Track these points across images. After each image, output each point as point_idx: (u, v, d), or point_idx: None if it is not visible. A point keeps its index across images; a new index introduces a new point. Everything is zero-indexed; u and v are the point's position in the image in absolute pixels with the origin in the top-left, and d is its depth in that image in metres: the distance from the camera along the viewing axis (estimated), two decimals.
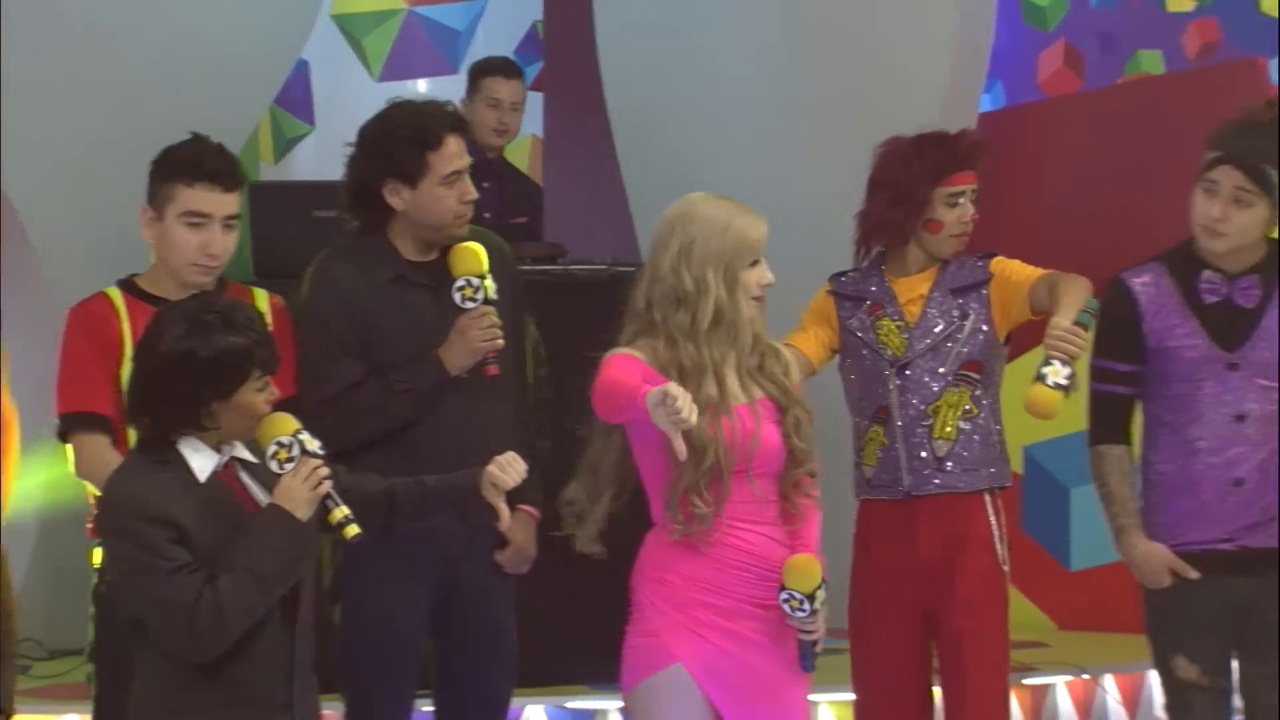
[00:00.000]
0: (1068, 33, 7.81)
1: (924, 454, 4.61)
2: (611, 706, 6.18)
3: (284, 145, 8.34)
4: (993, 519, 4.66)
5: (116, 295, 4.43)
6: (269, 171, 8.25)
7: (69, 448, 4.38)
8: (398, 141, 4.51)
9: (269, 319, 3.87)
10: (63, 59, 6.72)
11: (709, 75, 7.76)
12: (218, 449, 3.71)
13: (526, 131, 8.10)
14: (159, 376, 3.64)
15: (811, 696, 6.30)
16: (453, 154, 4.54)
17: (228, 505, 3.69)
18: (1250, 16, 7.45)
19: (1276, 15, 7.36)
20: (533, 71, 8.48)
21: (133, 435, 3.93)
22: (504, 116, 7.13)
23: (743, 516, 4.04)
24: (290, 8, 7.51)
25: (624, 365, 3.94)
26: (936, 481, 4.62)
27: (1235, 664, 4.62)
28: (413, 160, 4.50)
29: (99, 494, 3.96)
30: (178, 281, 4.36)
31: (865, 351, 4.67)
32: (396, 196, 4.54)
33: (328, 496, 3.69)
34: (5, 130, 6.45)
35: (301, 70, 8.21)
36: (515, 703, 5.15)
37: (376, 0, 8.49)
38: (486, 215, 6.50)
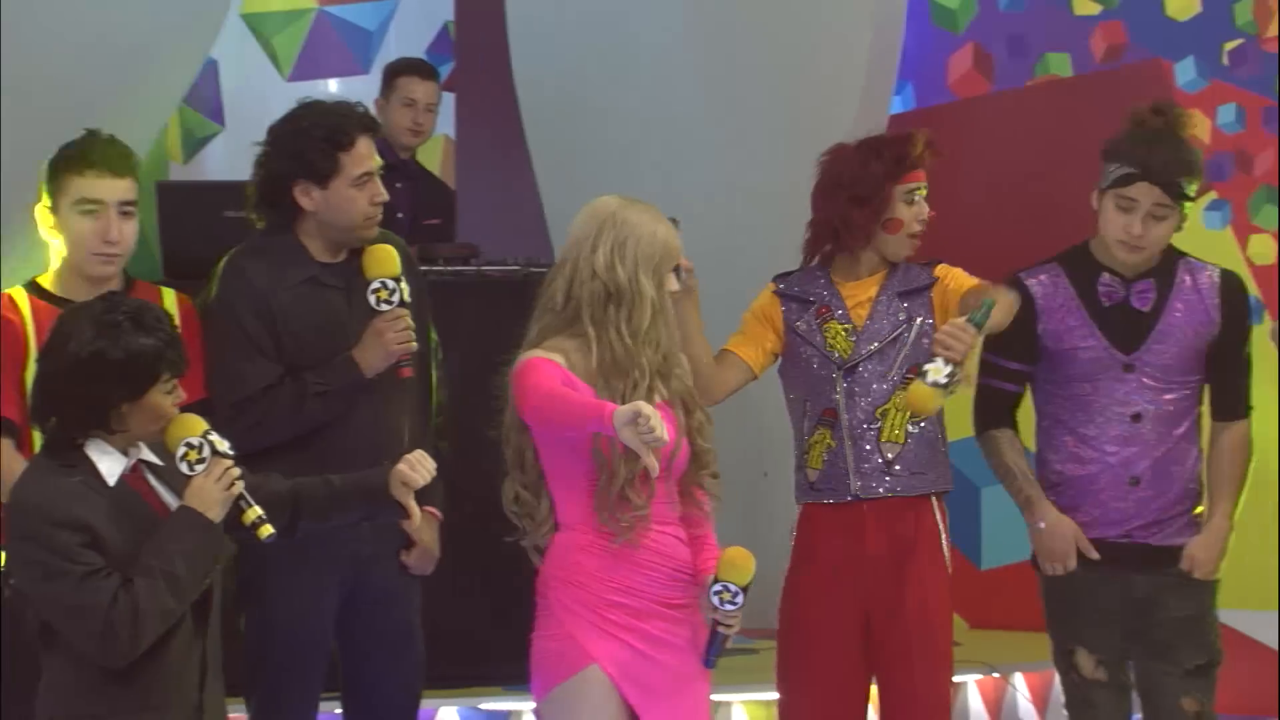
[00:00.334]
0: (977, 35, 7.84)
1: (872, 457, 4.60)
2: (525, 707, 6.15)
3: (193, 145, 8.27)
4: (940, 522, 4.68)
5: (21, 296, 4.38)
6: (178, 171, 8.19)
7: None
8: (310, 141, 4.48)
9: (177, 319, 3.83)
10: None
11: (622, 75, 7.75)
12: (124, 452, 3.66)
13: (439, 132, 8.06)
14: (67, 378, 3.60)
15: (726, 696, 6.33)
16: (364, 155, 4.51)
17: (138, 508, 3.65)
18: (1156, 20, 7.50)
19: (1181, 19, 7.43)
20: (444, 72, 8.44)
21: (39, 439, 3.87)
22: (419, 117, 7.10)
23: (655, 518, 4.05)
24: (199, 7, 7.45)
25: (551, 373, 3.93)
26: (885, 485, 4.61)
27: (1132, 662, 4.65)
28: (324, 160, 4.47)
29: (5, 499, 3.89)
30: (82, 275, 4.31)
31: (811, 354, 4.65)
32: (307, 196, 4.51)
33: (240, 497, 3.66)
34: None
35: (211, 70, 8.15)
36: (429, 705, 5.11)
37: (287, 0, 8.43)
38: (400, 215, 6.46)
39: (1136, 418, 4.53)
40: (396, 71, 7.26)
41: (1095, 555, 4.53)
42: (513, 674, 6.03)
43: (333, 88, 8.27)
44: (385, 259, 4.51)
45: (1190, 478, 4.58)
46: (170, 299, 4.43)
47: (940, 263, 4.72)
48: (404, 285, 4.51)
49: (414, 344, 4.50)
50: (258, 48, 8.38)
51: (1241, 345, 4.63)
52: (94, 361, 3.58)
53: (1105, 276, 4.56)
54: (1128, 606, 4.54)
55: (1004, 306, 4.35)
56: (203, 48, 7.67)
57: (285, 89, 8.24)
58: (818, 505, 4.67)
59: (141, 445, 3.70)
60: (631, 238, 4.01)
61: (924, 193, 4.69)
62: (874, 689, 4.74)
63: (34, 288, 4.40)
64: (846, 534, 4.62)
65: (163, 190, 6.56)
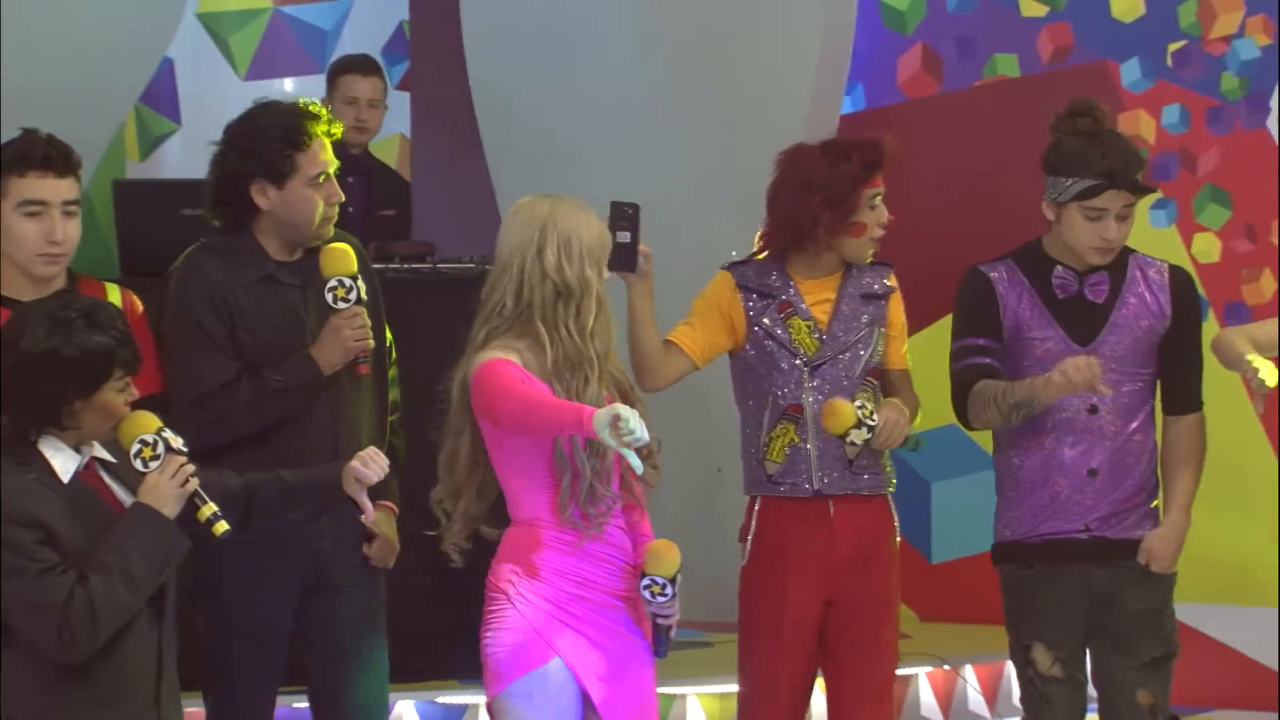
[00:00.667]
0: (926, 36, 7.84)
1: (836, 454, 4.61)
2: (481, 700, 6.13)
3: (150, 143, 8.23)
4: (895, 517, 4.72)
5: None
6: (135, 169, 8.15)
7: None
8: (266, 141, 4.47)
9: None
10: None
11: (576, 75, 7.74)
12: (78, 449, 3.64)
13: (395, 130, 8.03)
14: (20, 375, 3.57)
15: (681, 689, 6.32)
16: (320, 156, 4.51)
17: (93, 505, 3.63)
18: (1102, 21, 7.51)
19: (1126, 20, 7.45)
20: (400, 71, 8.41)
21: None
22: (361, 113, 7.06)
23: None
24: (155, 6, 7.42)
25: (514, 374, 3.95)
26: (846, 482, 4.63)
27: (1088, 655, 4.66)
28: (281, 160, 4.47)
29: None
30: (27, 277, 4.26)
31: (777, 349, 4.65)
32: (263, 196, 4.50)
33: (195, 494, 3.64)
34: None
35: (167, 69, 8.11)
36: None
37: None
38: (351, 210, 6.43)
39: (1093, 410, 4.54)
40: (337, 70, 7.24)
41: (1108, 392, 4.39)
42: (469, 667, 6.02)
43: (288, 87, 8.24)
44: (342, 257, 4.50)
45: (1147, 470, 4.59)
46: (115, 294, 4.40)
47: (890, 268, 4.73)
48: (361, 283, 4.50)
49: (371, 341, 4.51)
50: (214, 47, 8.34)
51: (1193, 339, 4.65)
52: (46, 358, 3.56)
53: (1059, 270, 4.58)
54: (1088, 601, 4.55)
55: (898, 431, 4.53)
56: (159, 47, 7.65)
57: (241, 88, 8.21)
58: (776, 498, 4.66)
59: (95, 443, 3.67)
60: (574, 235, 4.03)
61: (882, 197, 4.70)
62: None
63: None
64: (810, 528, 4.63)
65: (120, 188, 6.54)
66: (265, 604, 4.50)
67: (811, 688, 4.72)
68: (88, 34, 6.98)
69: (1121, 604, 4.55)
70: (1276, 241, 7.15)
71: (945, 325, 4.87)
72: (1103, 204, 4.50)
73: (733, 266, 4.72)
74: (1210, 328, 5.35)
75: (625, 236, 4.40)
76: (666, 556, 4.01)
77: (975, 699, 6.93)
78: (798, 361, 4.63)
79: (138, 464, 3.63)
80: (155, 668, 3.67)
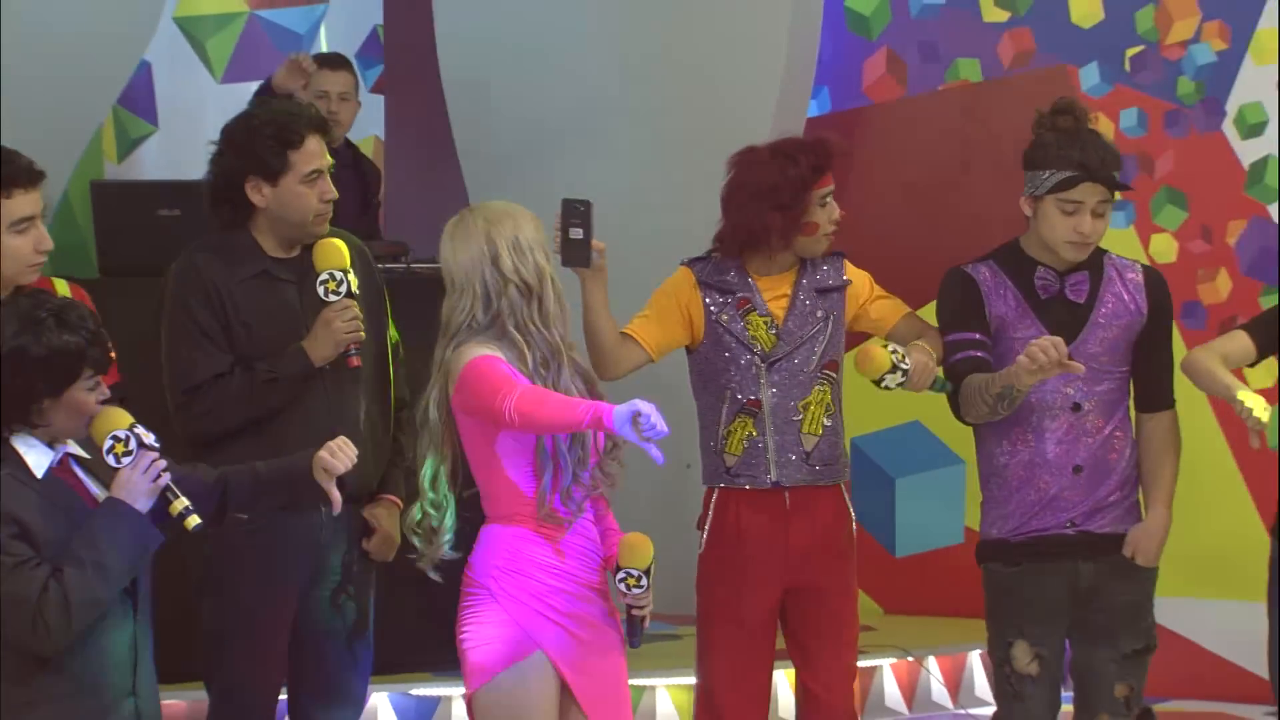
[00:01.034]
0: (891, 41, 7.86)
1: (793, 447, 4.62)
2: (455, 693, 6.13)
3: (128, 145, 8.20)
4: (850, 509, 4.73)
5: None
6: (113, 171, 8.12)
7: None
8: (260, 139, 4.49)
9: None
10: None
11: (547, 78, 7.75)
12: (51, 445, 3.63)
13: (370, 133, 8.02)
14: None
15: (650, 681, 6.33)
16: (314, 153, 4.53)
17: (67, 500, 3.62)
18: (1062, 27, 7.54)
19: (1085, 26, 7.47)
20: (374, 74, 8.40)
21: None
22: (332, 106, 7.04)
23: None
24: (133, 10, 7.39)
25: (504, 369, 3.97)
26: (803, 474, 4.63)
27: (1069, 647, 4.66)
28: (274, 158, 4.49)
29: None
30: (5, 285, 4.24)
31: (734, 345, 4.65)
32: (258, 193, 4.52)
33: (166, 489, 3.63)
34: None
35: (144, 71, 8.09)
36: None
37: (219, 3, 8.37)
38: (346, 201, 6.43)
39: (1077, 408, 4.55)
40: None
41: (1079, 368, 4.38)
42: (442, 660, 6.01)
43: None
44: (333, 252, 4.52)
45: (1127, 465, 4.60)
46: (63, 288, 4.38)
47: (844, 256, 4.75)
48: (352, 277, 4.51)
49: (361, 334, 4.50)
50: (191, 50, 8.32)
51: (1166, 338, 4.67)
52: (15, 357, 3.55)
53: (1040, 270, 4.58)
54: (1073, 595, 4.55)
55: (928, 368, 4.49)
56: (137, 50, 7.63)
57: (218, 91, 8.20)
58: (734, 490, 4.67)
59: (69, 440, 3.66)
60: (517, 233, 4.07)
61: (832, 195, 4.70)
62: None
63: None
64: (767, 518, 4.63)
65: (98, 189, 6.51)
66: (269, 595, 4.49)
67: (770, 677, 4.72)
68: (66, 37, 6.96)
69: (1105, 597, 4.55)
70: (1232, 242, 7.18)
71: None
72: (1079, 197, 4.50)
73: (693, 262, 4.72)
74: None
75: (578, 233, 4.40)
76: (641, 550, 4.02)
77: (938, 690, 6.95)
78: (754, 357, 4.64)
79: (110, 459, 3.62)
80: (131, 660, 3.66)
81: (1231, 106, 7.16)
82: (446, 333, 4.08)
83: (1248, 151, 7.14)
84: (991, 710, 4.77)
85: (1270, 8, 7.08)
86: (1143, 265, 4.69)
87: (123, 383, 4.35)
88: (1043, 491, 4.55)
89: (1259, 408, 4.33)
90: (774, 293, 4.67)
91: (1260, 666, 5.89)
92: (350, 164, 7.00)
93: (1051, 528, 4.55)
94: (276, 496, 3.93)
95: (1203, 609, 6.97)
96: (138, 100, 8.12)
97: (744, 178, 4.65)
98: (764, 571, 4.63)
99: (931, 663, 6.91)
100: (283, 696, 4.65)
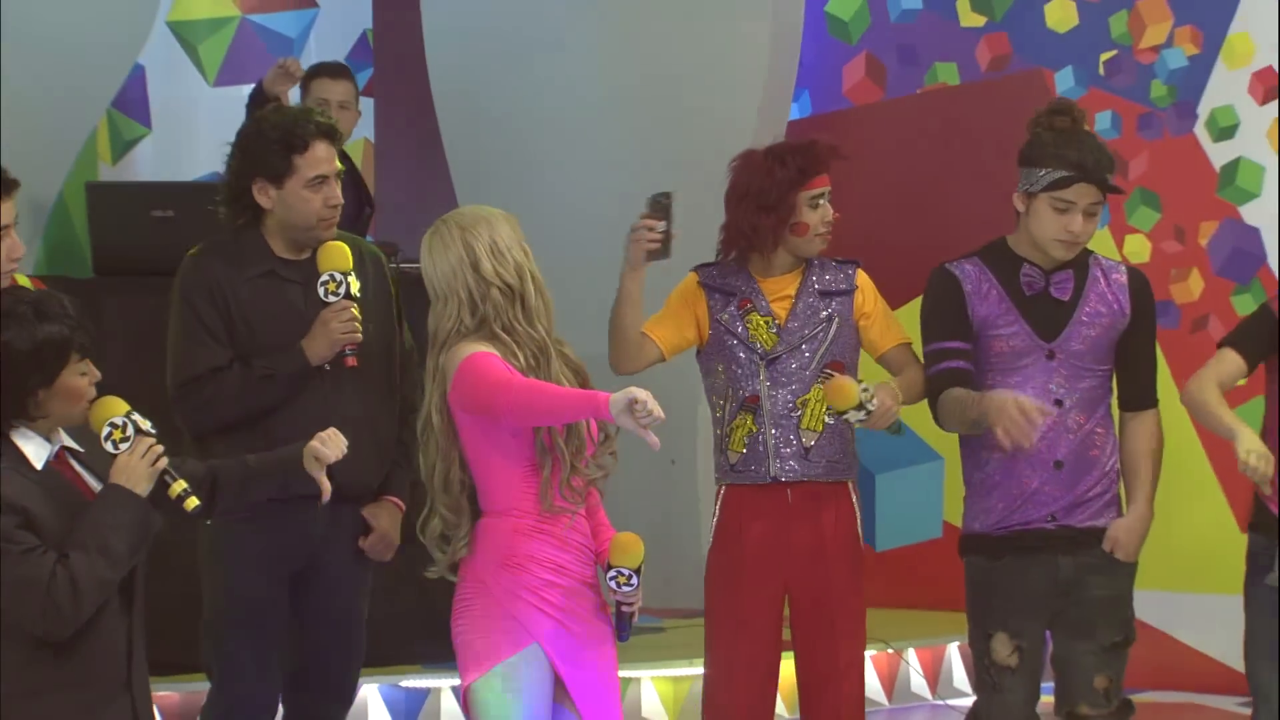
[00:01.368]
0: (870, 45, 7.87)
1: (792, 443, 4.61)
2: (445, 684, 6.13)
3: (122, 147, 8.20)
4: (856, 506, 4.72)
5: None
6: (108, 172, 8.11)
7: None
8: (267, 143, 4.52)
9: None
10: None
11: (533, 82, 7.75)
12: (48, 439, 3.63)
13: (360, 135, 8.01)
14: None
15: (636, 673, 6.33)
16: (320, 159, 4.54)
17: (66, 492, 3.63)
18: (1037, 31, 7.55)
19: (1061, 31, 7.49)
20: (364, 78, 8.39)
21: None
22: (331, 114, 7.03)
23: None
24: (127, 15, 7.39)
25: (500, 365, 3.96)
26: (803, 470, 4.63)
27: (1050, 639, 4.66)
28: (280, 161, 4.51)
29: None
30: None
31: (736, 344, 4.67)
32: (264, 195, 4.54)
33: (165, 472, 3.64)
34: None
35: (139, 75, 8.08)
36: None
37: (212, 8, 8.36)
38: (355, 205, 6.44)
39: (1059, 404, 4.55)
40: (309, 75, 7.22)
41: (1044, 414, 4.41)
42: (431, 653, 6.01)
43: None
44: (336, 254, 4.54)
45: (1108, 461, 4.60)
46: (24, 282, 4.37)
47: (859, 265, 4.76)
48: (353, 280, 4.53)
49: (358, 335, 4.51)
50: (184, 54, 8.31)
51: (1150, 338, 4.67)
52: (5, 353, 3.55)
53: (1026, 267, 4.58)
54: (1053, 588, 4.54)
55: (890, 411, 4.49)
56: (131, 54, 7.62)
57: (211, 94, 8.20)
58: (739, 486, 4.67)
59: (62, 433, 3.66)
60: (493, 236, 4.05)
61: (828, 196, 4.70)
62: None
63: None
64: (769, 515, 4.64)
65: (93, 190, 6.50)
66: (263, 586, 4.50)
67: (777, 672, 4.70)
68: (62, 42, 6.95)
69: (1084, 591, 4.55)
70: (1204, 243, 7.20)
71: None
72: (1072, 197, 4.49)
73: (700, 267, 4.76)
74: None
75: (664, 226, 4.49)
76: (632, 549, 4.02)
77: (918, 681, 6.96)
78: (755, 355, 4.65)
79: (108, 446, 3.62)
80: (126, 651, 3.65)
81: (1203, 110, 7.17)
82: (436, 341, 4.08)
83: (1219, 154, 7.16)
84: (970, 701, 4.77)
85: (1241, 13, 7.10)
86: (1127, 267, 4.69)
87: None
88: (1024, 486, 4.55)
89: (1265, 462, 4.32)
90: (778, 294, 4.69)
91: (1233, 659, 5.90)
92: (347, 174, 6.99)
93: (1032, 522, 4.54)
94: (266, 487, 3.93)
95: (1178, 602, 6.98)
96: (132, 103, 8.11)
97: (737, 180, 4.68)
98: (766, 568, 4.63)
99: (911, 655, 6.92)
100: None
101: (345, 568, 4.58)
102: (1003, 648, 4.55)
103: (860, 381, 4.49)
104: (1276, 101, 7.04)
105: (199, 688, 4.85)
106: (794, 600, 4.67)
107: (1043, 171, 4.49)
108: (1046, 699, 4.61)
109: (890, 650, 6.78)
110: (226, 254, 4.56)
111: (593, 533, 4.12)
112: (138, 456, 3.61)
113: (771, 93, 7.48)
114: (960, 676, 6.94)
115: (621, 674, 4.20)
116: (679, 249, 4.61)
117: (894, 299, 4.87)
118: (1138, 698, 4.72)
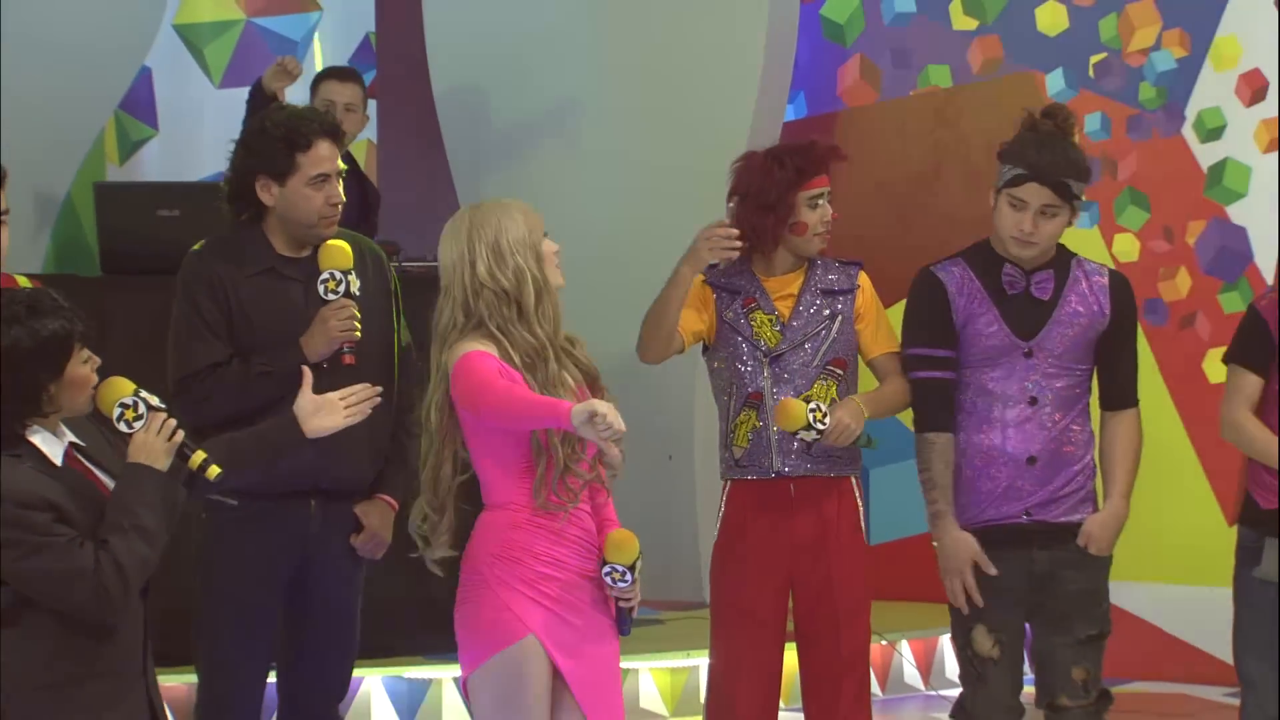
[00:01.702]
0: (864, 48, 7.87)
1: (794, 439, 4.61)
2: (446, 675, 6.13)
3: (129, 148, 8.20)
4: (859, 500, 4.72)
5: None
6: (115, 172, 8.12)
7: None
8: (271, 140, 4.50)
9: None
10: None
11: (533, 83, 7.75)
12: (55, 435, 3.63)
13: (363, 136, 8.01)
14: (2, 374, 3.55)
15: (635, 664, 6.33)
16: (322, 157, 4.51)
17: (85, 486, 3.63)
18: (1029, 34, 7.55)
19: (1052, 34, 7.49)
20: (367, 80, 8.39)
21: None
22: (338, 116, 7.04)
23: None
24: (134, 18, 7.39)
25: (493, 366, 3.95)
26: (806, 465, 4.63)
27: (1029, 632, 4.66)
28: (282, 159, 4.48)
29: None
30: None
31: (740, 341, 4.68)
32: (267, 192, 4.52)
33: (183, 444, 3.63)
34: None
35: (145, 77, 8.08)
36: (354, 675, 5.06)
37: (217, 11, 8.36)
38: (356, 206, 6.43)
39: (1034, 401, 4.55)
40: (318, 78, 7.22)
41: (993, 571, 4.51)
42: (433, 644, 6.01)
43: None
44: (337, 253, 4.52)
45: (1084, 458, 4.60)
46: (24, 283, 4.35)
47: (861, 266, 4.77)
48: (353, 278, 4.50)
49: (356, 334, 4.49)
50: (190, 57, 8.31)
51: (1130, 338, 4.67)
52: (11, 354, 3.54)
53: (1008, 267, 4.58)
54: (1029, 582, 4.54)
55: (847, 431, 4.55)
56: (138, 56, 7.62)
57: (216, 96, 8.19)
58: (743, 481, 4.68)
59: (64, 428, 3.65)
60: (499, 235, 4.00)
61: (828, 196, 4.70)
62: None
63: None
64: (773, 509, 4.64)
65: (100, 190, 6.50)
66: (255, 580, 4.48)
67: (781, 664, 4.70)
68: (71, 44, 6.96)
69: (1060, 584, 4.55)
70: (1192, 242, 7.20)
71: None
72: (1024, 195, 4.51)
73: (708, 268, 4.75)
74: None
75: (735, 233, 4.55)
76: (626, 546, 4.01)
77: (911, 672, 6.96)
78: (758, 352, 4.65)
79: (122, 426, 3.60)
80: (142, 642, 3.65)
81: (1191, 111, 7.18)
82: (437, 335, 4.06)
83: (1207, 155, 7.16)
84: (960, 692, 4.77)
85: (1228, 16, 7.10)
86: (1109, 270, 4.69)
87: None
88: (998, 481, 4.55)
89: None
90: (782, 293, 4.70)
91: (1219, 649, 5.90)
92: (351, 173, 6.98)
93: (1008, 517, 4.55)
94: (255, 462, 3.90)
95: (1164, 594, 6.99)
96: (139, 105, 8.11)
97: (739, 181, 4.69)
98: (771, 562, 4.63)
99: (904, 646, 6.92)
100: (271, 679, 4.64)
101: (338, 564, 4.56)
102: (983, 640, 4.55)
103: (810, 401, 4.50)
104: (1263, 103, 7.05)
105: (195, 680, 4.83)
106: (798, 594, 4.66)
107: (1006, 168, 4.51)
108: (1030, 689, 4.61)
109: (884, 642, 6.77)
110: (228, 250, 4.54)
111: (598, 529, 4.10)
112: (154, 433, 3.60)
113: (767, 94, 7.47)
114: (953, 667, 6.92)
115: (620, 666, 4.19)
116: (674, 244, 4.61)
117: (885, 299, 4.86)
118: (1127, 688, 4.72)
